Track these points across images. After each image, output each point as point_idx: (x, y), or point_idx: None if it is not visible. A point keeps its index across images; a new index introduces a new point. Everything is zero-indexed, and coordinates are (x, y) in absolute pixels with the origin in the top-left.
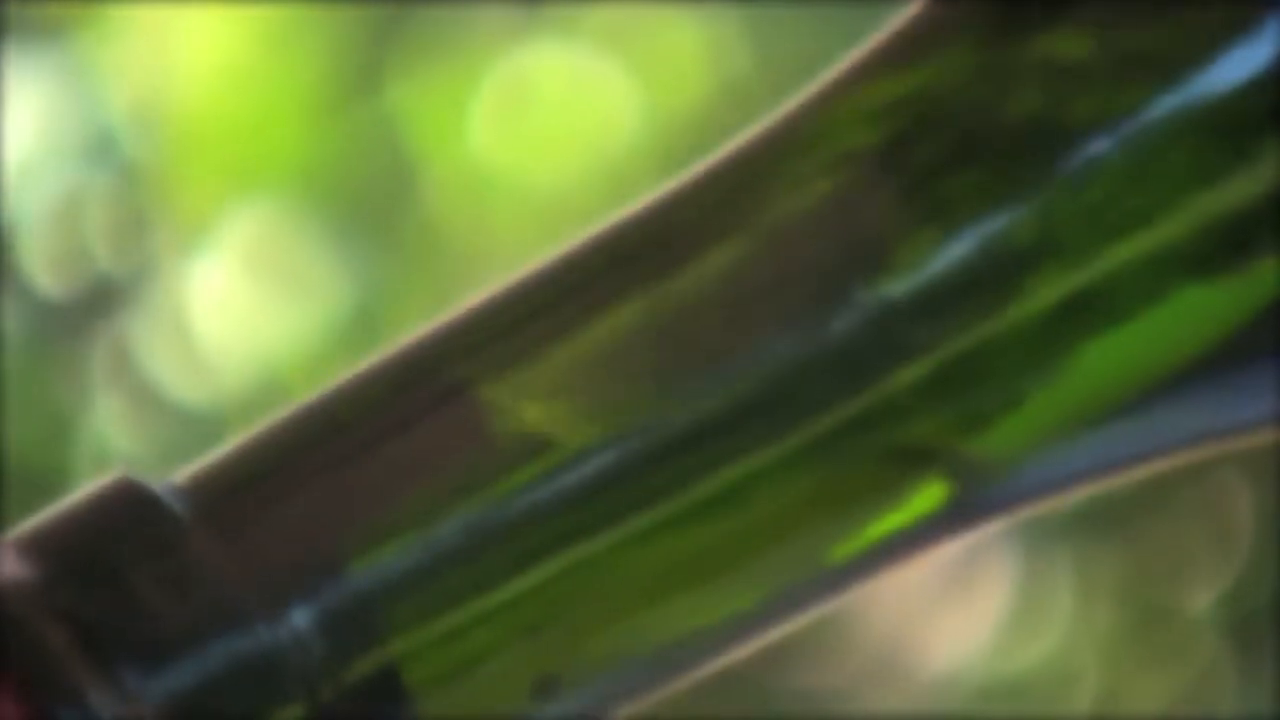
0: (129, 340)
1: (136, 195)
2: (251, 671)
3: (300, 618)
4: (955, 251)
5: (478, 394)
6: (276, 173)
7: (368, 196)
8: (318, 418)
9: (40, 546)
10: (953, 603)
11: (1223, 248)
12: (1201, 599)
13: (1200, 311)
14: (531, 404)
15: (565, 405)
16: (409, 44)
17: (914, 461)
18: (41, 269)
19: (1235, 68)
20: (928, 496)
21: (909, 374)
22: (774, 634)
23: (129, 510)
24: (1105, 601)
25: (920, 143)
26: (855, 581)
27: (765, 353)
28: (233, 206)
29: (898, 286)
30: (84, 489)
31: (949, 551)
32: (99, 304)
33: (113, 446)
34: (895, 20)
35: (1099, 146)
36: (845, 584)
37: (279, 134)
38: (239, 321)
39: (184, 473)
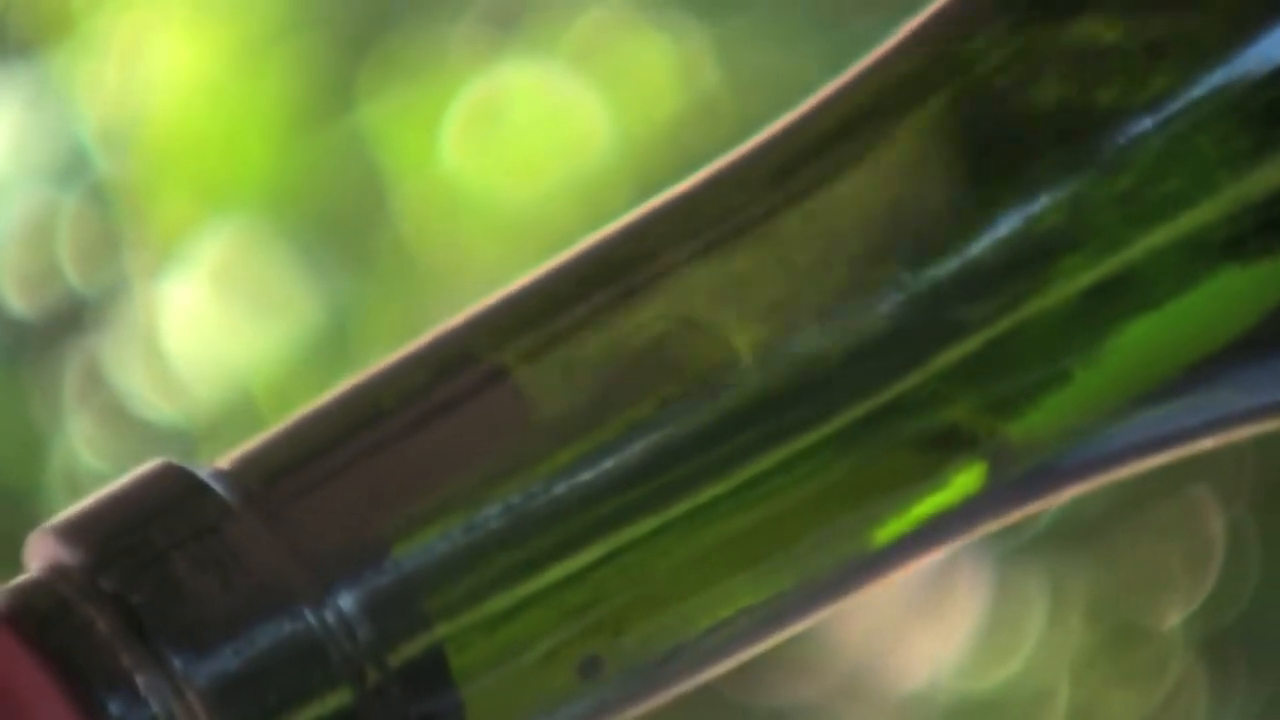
0: (101, 358)
1: (108, 214)
2: (297, 655)
3: (345, 601)
4: (993, 234)
5: (518, 378)
6: (248, 191)
7: (340, 215)
8: (360, 402)
9: (85, 532)
10: (925, 620)
11: (1257, 230)
12: (1173, 616)
13: (1236, 293)
14: (571, 388)
15: (606, 390)
16: (381, 62)
17: (956, 443)
18: (13, 287)
19: (1268, 52)
20: (969, 478)
21: (951, 355)
22: (816, 618)
23: (174, 494)
24: (1077, 619)
25: (956, 125)
26: (896, 564)
27: (810, 335)
28: (205, 225)
29: (938, 269)
30: (127, 475)
31: (922, 570)
32: (71, 322)
33: (85, 464)
34: (932, 4)
35: (1134, 129)
36: (887, 566)
37: (251, 152)
38: (211, 340)
39: (227, 457)
